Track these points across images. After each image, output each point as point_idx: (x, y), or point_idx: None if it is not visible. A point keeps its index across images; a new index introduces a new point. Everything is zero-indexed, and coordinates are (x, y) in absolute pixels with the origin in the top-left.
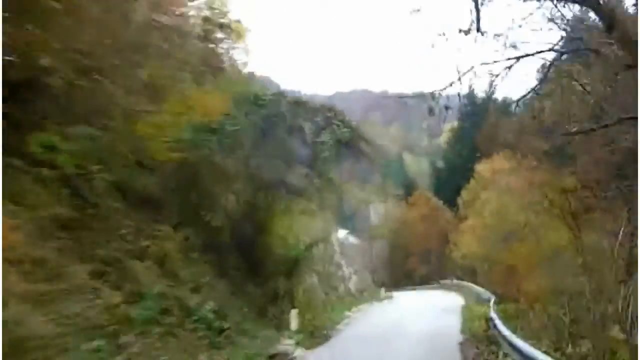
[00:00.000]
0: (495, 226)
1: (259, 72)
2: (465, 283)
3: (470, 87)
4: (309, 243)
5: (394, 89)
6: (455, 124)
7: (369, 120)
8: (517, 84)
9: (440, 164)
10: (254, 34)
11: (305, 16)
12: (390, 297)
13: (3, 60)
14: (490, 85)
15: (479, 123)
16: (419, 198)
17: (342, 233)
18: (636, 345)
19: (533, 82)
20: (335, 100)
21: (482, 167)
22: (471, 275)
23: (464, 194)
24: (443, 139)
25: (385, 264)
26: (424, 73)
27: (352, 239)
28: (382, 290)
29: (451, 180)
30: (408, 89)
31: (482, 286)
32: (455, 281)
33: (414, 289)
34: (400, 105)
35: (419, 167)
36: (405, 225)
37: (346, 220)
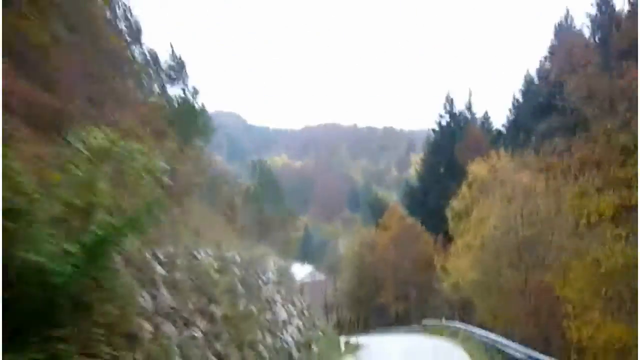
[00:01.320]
0: (504, 242)
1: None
2: (460, 325)
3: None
4: None
5: (363, 122)
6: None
7: (337, 153)
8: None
9: (413, 182)
10: (220, 70)
11: (273, 51)
12: (356, 348)
13: None
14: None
15: (457, 135)
16: (390, 217)
17: (303, 269)
18: None
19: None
20: (304, 134)
21: (477, 168)
22: (464, 312)
23: (454, 205)
24: (412, 171)
25: (352, 301)
26: (393, 107)
27: (318, 275)
28: (341, 340)
29: (428, 201)
30: (377, 122)
31: (485, 327)
32: (445, 322)
33: (388, 332)
34: (369, 139)
35: (389, 199)
36: (375, 251)
37: (313, 256)
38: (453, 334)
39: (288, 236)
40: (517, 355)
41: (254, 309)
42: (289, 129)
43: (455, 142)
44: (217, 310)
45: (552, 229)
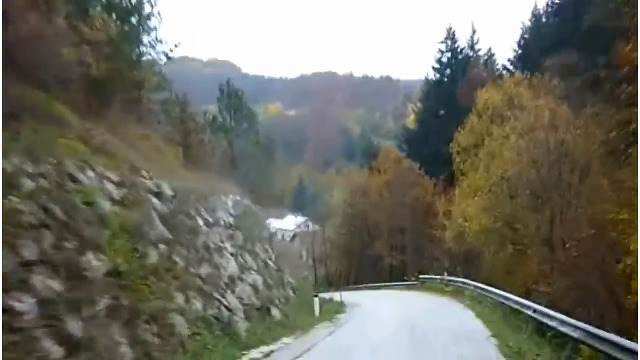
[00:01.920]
0: (522, 180)
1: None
2: (466, 282)
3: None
4: None
5: (360, 71)
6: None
7: (332, 102)
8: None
9: (411, 125)
10: (215, 18)
11: None
12: (336, 312)
13: None
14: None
15: (459, 74)
16: (384, 159)
17: (296, 220)
18: None
19: None
20: (299, 82)
21: (488, 94)
22: (468, 266)
23: (460, 139)
24: (410, 120)
25: (342, 253)
26: (391, 56)
27: (312, 227)
28: (316, 302)
29: (427, 146)
30: (374, 71)
31: (493, 285)
32: (447, 277)
33: (381, 289)
34: (366, 88)
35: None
36: (367, 197)
37: (306, 206)
38: (457, 293)
39: (266, 179)
40: (563, 329)
41: (178, 259)
42: (284, 77)
43: (457, 81)
44: (97, 262)
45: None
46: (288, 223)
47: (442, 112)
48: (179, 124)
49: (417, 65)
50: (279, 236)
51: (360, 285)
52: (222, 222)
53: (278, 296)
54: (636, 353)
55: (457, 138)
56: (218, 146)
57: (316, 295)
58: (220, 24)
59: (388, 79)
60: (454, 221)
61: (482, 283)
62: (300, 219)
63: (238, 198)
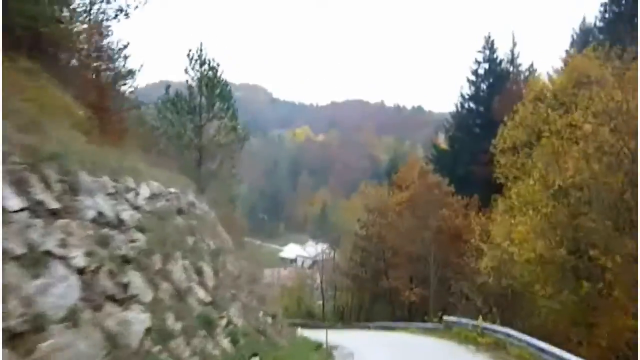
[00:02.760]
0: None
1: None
2: (513, 333)
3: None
4: None
5: (392, 100)
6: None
7: (362, 130)
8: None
9: (441, 145)
10: (247, 43)
11: (301, 24)
12: None
13: None
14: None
15: (495, 91)
16: (408, 172)
17: (317, 247)
18: None
19: None
20: (330, 109)
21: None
22: (510, 309)
23: (507, 133)
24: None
25: (352, 283)
26: (423, 87)
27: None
28: None
29: (459, 164)
30: (406, 101)
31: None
32: (483, 324)
33: (394, 329)
34: (396, 117)
35: None
36: (384, 217)
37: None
38: (497, 348)
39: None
40: None
41: None
42: (314, 104)
43: (493, 95)
44: None
45: None
46: (309, 250)
47: (476, 129)
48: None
49: (451, 98)
50: (299, 263)
51: (370, 324)
52: (90, 214)
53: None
54: None
55: (503, 133)
56: (173, 130)
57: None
58: (253, 49)
59: (420, 109)
60: (493, 246)
61: (537, 338)
62: (321, 245)
63: (171, 190)
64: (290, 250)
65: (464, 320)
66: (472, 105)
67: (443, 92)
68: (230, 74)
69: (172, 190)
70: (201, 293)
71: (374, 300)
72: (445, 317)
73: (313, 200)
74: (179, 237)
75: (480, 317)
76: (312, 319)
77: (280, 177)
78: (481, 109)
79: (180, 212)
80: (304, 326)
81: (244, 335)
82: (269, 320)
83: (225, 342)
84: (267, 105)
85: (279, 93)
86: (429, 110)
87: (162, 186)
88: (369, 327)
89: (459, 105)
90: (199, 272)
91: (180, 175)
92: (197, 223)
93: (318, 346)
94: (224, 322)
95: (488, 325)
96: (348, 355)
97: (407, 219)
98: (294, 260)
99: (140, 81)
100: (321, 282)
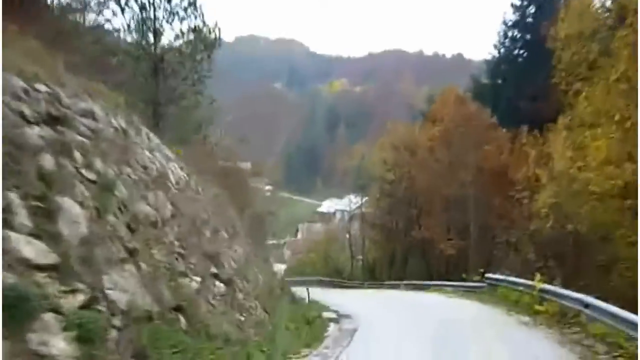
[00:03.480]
0: None
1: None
2: (593, 301)
3: None
4: None
5: (431, 49)
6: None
7: (400, 79)
8: None
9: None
10: None
11: None
12: None
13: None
14: None
15: (546, 12)
16: (443, 103)
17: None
18: None
19: None
20: (367, 61)
21: None
22: (576, 264)
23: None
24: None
25: (380, 235)
26: (463, 34)
27: None
28: None
29: (502, 98)
30: (446, 49)
31: None
32: (540, 284)
33: (426, 288)
34: (436, 66)
35: None
36: (415, 155)
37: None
38: (567, 321)
39: None
40: None
41: None
42: (352, 56)
43: (541, 20)
44: None
45: None
46: (347, 203)
47: (522, 59)
48: None
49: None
50: (338, 217)
51: (400, 282)
52: None
53: None
54: None
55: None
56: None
57: None
58: (288, 3)
59: (460, 57)
60: (557, 174)
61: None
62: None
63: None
64: (329, 205)
65: (512, 278)
66: (516, 33)
67: (484, 38)
68: (266, 29)
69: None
70: None
71: (407, 254)
72: (488, 275)
73: (351, 152)
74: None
75: (538, 276)
76: (340, 277)
77: (317, 131)
78: (527, 36)
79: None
80: (327, 285)
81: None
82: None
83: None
84: (303, 59)
85: (316, 46)
86: (469, 58)
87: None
88: (398, 287)
89: (501, 33)
90: None
91: (117, 92)
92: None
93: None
94: None
95: (548, 286)
96: (344, 336)
97: (441, 157)
98: (332, 215)
99: None
100: (349, 235)
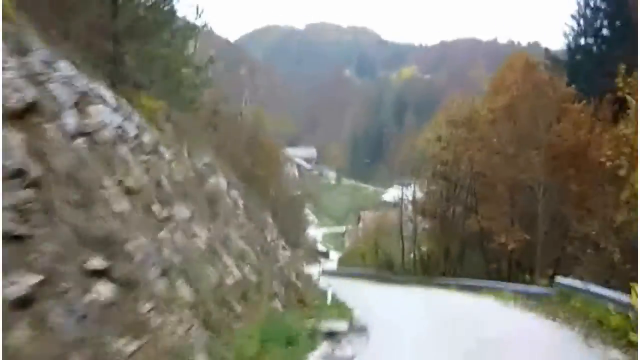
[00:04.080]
0: None
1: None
2: None
3: None
4: None
5: (505, 37)
6: None
7: (473, 68)
8: None
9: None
10: None
11: None
12: None
13: None
14: None
15: None
16: (508, 69)
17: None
18: None
19: None
20: (439, 49)
21: None
22: None
23: None
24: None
25: (432, 226)
26: (539, 22)
27: None
28: None
29: (580, 76)
30: (521, 37)
31: None
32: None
33: (477, 290)
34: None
35: None
36: (472, 131)
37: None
38: None
39: None
40: None
41: None
42: (423, 44)
43: None
44: None
45: None
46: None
47: (605, 31)
48: None
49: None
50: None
51: (452, 281)
52: None
53: None
54: None
55: None
56: None
57: None
58: None
59: (536, 45)
60: None
61: None
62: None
63: None
64: (394, 193)
65: (593, 288)
66: (599, 3)
67: (561, 27)
68: (338, 16)
69: None
70: None
71: (463, 247)
72: (558, 279)
73: (418, 140)
74: None
75: (636, 289)
76: (390, 270)
77: (384, 118)
78: (609, 8)
79: None
80: (369, 279)
81: None
82: None
83: None
84: (374, 47)
85: (387, 35)
86: (545, 46)
87: None
88: (448, 286)
89: (581, 3)
90: None
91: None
92: None
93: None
94: None
95: None
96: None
97: (505, 132)
98: (397, 204)
99: None
100: (400, 225)
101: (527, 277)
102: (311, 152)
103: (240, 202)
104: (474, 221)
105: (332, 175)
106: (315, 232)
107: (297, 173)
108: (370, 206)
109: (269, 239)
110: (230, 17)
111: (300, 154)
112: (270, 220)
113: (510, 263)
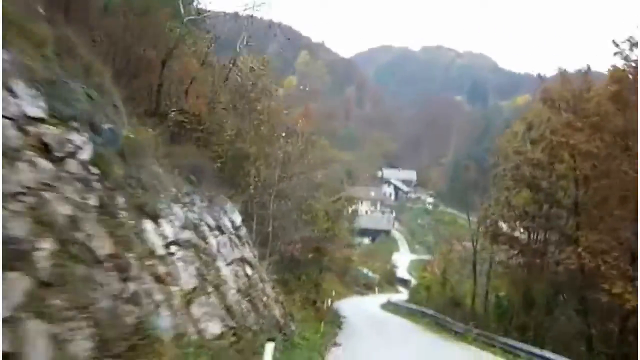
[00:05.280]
0: None
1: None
2: None
3: None
4: None
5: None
6: None
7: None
8: None
9: None
10: (470, 9)
11: None
12: None
13: None
14: None
15: None
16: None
17: None
18: None
19: None
20: (557, 79)
21: None
22: None
23: None
24: None
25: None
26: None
27: None
28: None
29: None
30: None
31: None
32: None
33: None
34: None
35: None
36: (578, 118)
37: None
38: None
39: None
40: None
41: None
42: (542, 74)
43: None
44: None
45: None
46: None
47: None
48: None
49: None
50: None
51: (526, 348)
52: None
53: None
54: None
55: None
56: None
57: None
58: (477, 16)
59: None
60: None
61: None
62: None
63: None
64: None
65: None
66: None
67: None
68: (455, 41)
69: None
70: None
71: (553, 295)
72: None
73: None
74: None
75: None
76: (455, 314)
77: (490, 147)
78: None
79: None
80: (420, 321)
81: None
82: None
83: None
84: (489, 73)
85: (504, 62)
86: None
87: None
88: (517, 354)
89: None
90: None
91: None
92: None
93: None
94: None
95: None
96: None
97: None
98: None
99: None
100: (474, 254)
101: None
102: (411, 175)
103: None
104: (570, 255)
105: (429, 200)
106: (404, 259)
107: (393, 195)
108: (464, 235)
109: None
110: (348, 34)
111: (399, 175)
112: None
113: (625, 326)
